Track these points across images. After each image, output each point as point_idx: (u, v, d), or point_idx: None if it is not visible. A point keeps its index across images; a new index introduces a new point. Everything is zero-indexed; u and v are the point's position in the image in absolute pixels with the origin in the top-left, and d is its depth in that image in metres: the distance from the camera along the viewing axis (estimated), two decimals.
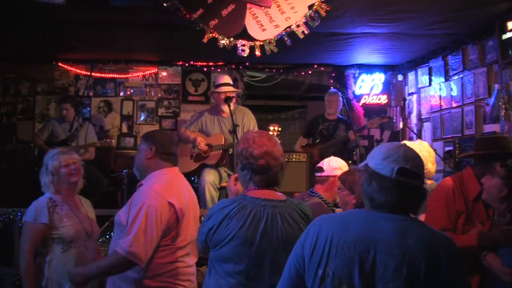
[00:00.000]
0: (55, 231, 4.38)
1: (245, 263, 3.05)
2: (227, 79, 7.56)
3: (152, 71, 10.28)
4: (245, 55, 6.34)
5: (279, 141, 3.42)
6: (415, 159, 2.52)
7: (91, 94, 10.15)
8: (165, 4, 6.03)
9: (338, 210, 4.72)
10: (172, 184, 3.84)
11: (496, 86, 7.26)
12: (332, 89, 9.06)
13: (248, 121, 7.48)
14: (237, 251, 3.06)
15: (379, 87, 10.45)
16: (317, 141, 8.59)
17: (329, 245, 2.41)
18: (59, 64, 9.98)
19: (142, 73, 10.27)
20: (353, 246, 2.37)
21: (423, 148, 5.15)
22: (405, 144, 2.60)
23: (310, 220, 3.05)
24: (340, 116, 8.91)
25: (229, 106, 7.15)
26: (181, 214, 3.73)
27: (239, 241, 3.05)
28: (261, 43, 6.31)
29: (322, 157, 7.46)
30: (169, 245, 3.70)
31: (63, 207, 4.50)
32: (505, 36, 6.87)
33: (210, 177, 7.07)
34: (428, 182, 5.16)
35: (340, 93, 8.88)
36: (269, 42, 6.29)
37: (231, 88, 7.44)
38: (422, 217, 4.67)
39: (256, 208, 3.12)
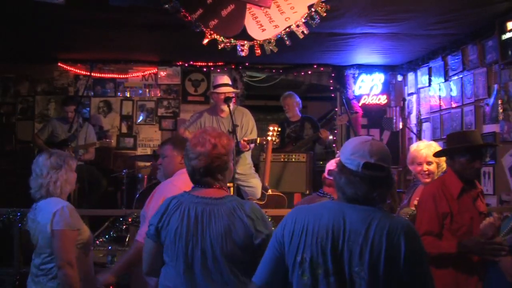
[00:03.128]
0: (80, 236, 4.18)
1: (180, 258, 3.17)
2: (226, 79, 7.55)
3: (152, 71, 10.27)
4: (245, 55, 6.35)
5: (225, 136, 3.39)
6: (379, 152, 2.66)
7: (91, 94, 10.14)
8: (166, 6, 6.04)
9: None
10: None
11: (496, 86, 7.26)
12: (286, 92, 9.08)
13: (247, 121, 7.48)
14: (172, 246, 3.19)
15: (378, 87, 10.44)
16: (287, 144, 8.65)
17: (305, 233, 2.63)
18: (59, 64, 9.98)
19: (142, 73, 10.26)
20: (325, 235, 2.58)
21: (437, 147, 5.18)
22: (371, 138, 2.73)
23: (244, 217, 3.16)
24: (303, 115, 8.96)
25: (228, 106, 7.15)
26: None
27: (172, 236, 3.18)
28: (261, 43, 6.31)
29: None
30: None
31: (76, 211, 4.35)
32: (505, 37, 6.87)
33: None
34: None
35: (293, 93, 8.92)
36: (269, 42, 6.30)
37: (230, 89, 7.44)
38: None
39: (193, 207, 3.20)
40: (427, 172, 5.01)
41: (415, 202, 4.99)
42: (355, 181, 2.63)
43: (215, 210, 3.17)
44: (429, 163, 5.01)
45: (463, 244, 3.89)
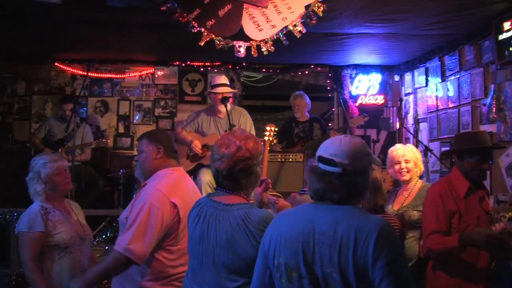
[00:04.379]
0: (51, 238, 4.31)
1: (193, 259, 3.18)
2: (223, 79, 7.54)
3: (149, 71, 10.28)
4: (242, 55, 6.34)
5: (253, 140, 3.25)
6: (341, 149, 2.60)
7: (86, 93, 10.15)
8: (163, 8, 6.03)
9: None
10: (178, 184, 3.79)
11: (493, 86, 7.27)
12: (296, 92, 9.07)
13: (245, 121, 7.46)
14: (189, 247, 3.23)
15: (375, 88, 10.45)
16: (296, 143, 8.64)
17: (279, 238, 2.62)
18: (56, 64, 9.98)
19: (139, 73, 10.27)
20: (296, 238, 2.55)
21: (415, 149, 5.31)
22: (345, 136, 2.70)
23: (248, 228, 3.02)
24: (312, 116, 8.95)
25: (226, 106, 7.14)
26: (184, 215, 3.58)
27: (189, 238, 3.22)
28: (258, 43, 6.31)
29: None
30: (173, 246, 3.64)
31: (55, 213, 4.42)
32: (501, 37, 6.88)
33: (206, 177, 7.06)
34: (420, 181, 5.27)
35: (303, 93, 8.92)
36: (266, 42, 6.29)
37: (227, 89, 7.42)
38: None
39: (205, 210, 3.18)
40: (405, 170, 5.14)
41: (396, 208, 5.06)
42: (312, 177, 2.64)
43: (220, 216, 3.08)
44: (406, 161, 5.15)
45: (466, 237, 3.88)
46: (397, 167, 5.21)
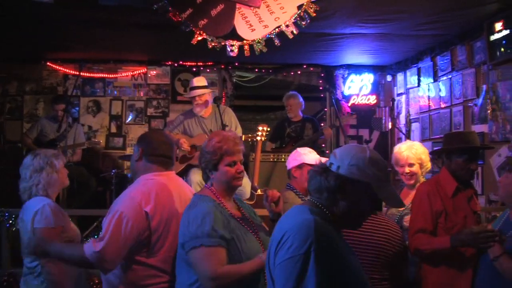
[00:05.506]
0: (67, 234, 4.19)
1: None
2: (197, 81, 7.47)
3: (141, 71, 10.26)
4: (234, 55, 6.34)
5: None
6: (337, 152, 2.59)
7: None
8: (155, 6, 6.03)
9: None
10: (157, 191, 3.56)
11: (484, 87, 7.29)
12: (289, 92, 9.07)
13: (229, 120, 7.43)
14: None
15: (368, 88, 10.47)
16: (287, 143, 8.65)
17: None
18: (48, 63, 9.95)
19: (131, 73, 10.25)
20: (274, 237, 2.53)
21: (422, 148, 5.20)
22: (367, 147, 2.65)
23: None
24: (305, 116, 8.96)
25: (218, 106, 7.14)
26: (157, 225, 3.44)
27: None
28: (250, 43, 6.31)
29: None
30: (147, 259, 3.48)
31: (60, 209, 4.34)
32: (493, 38, 6.90)
33: (196, 177, 7.05)
34: (423, 179, 5.21)
35: (297, 94, 8.92)
36: (258, 42, 6.29)
37: (202, 91, 7.38)
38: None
39: None
40: (409, 174, 5.01)
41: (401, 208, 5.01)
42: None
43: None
44: (410, 165, 5.01)
45: (456, 238, 3.89)
46: (401, 170, 5.11)
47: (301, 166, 4.84)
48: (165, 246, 3.49)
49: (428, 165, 5.09)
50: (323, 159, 3.82)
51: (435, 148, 8.53)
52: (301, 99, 8.87)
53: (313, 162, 4.76)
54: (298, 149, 4.98)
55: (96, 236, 7.17)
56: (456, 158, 4.24)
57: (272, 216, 3.46)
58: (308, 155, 4.88)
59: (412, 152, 5.02)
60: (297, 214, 2.50)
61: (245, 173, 3.48)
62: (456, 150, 4.25)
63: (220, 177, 3.31)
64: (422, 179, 5.09)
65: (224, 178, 3.30)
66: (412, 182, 5.02)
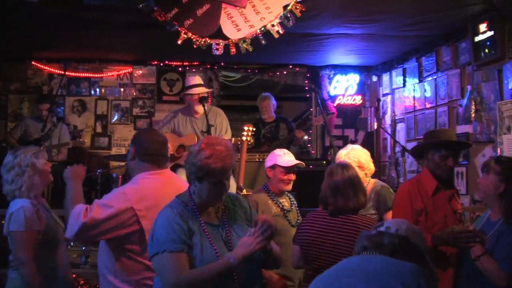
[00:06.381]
0: (44, 236, 4.22)
1: None
2: (198, 79, 7.52)
3: (127, 71, 10.23)
4: (219, 54, 6.34)
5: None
6: None
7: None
8: (140, 6, 6.01)
9: (281, 199, 5.06)
10: (152, 190, 3.61)
11: (469, 87, 7.33)
12: (263, 94, 9.08)
13: (221, 122, 7.44)
14: None
15: (353, 88, 10.50)
16: (263, 144, 8.67)
17: None
18: (33, 62, 9.89)
19: (117, 73, 10.22)
20: None
21: (360, 151, 5.18)
22: None
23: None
24: (278, 116, 8.99)
25: (204, 106, 7.13)
26: (150, 224, 3.30)
27: None
28: (236, 42, 6.31)
29: None
30: (139, 253, 3.53)
31: (42, 209, 4.35)
32: (477, 39, 6.94)
33: (183, 177, 7.05)
34: (372, 181, 5.18)
35: (270, 95, 8.94)
36: (244, 41, 6.30)
37: (203, 89, 7.40)
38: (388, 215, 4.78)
39: None
40: None
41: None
42: None
43: None
44: None
45: (437, 236, 3.91)
46: None
47: (274, 167, 4.90)
48: None
49: (371, 166, 5.05)
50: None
51: (412, 147, 8.63)
52: (274, 100, 8.93)
53: (285, 165, 4.80)
54: (276, 150, 5.03)
55: None
56: (433, 155, 4.27)
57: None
58: (282, 157, 4.93)
59: (350, 156, 4.99)
60: None
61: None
62: (431, 145, 4.29)
63: (200, 191, 3.12)
64: (371, 180, 5.04)
65: (204, 194, 3.10)
66: None
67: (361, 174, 4.80)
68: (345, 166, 3.97)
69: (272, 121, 8.86)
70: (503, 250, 3.58)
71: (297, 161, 5.02)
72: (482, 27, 6.83)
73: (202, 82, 7.55)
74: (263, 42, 6.33)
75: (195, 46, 6.28)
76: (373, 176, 5.33)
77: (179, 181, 3.94)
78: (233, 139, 7.14)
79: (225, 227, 3.17)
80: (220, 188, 3.10)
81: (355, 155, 5.03)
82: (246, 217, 3.30)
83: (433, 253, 3.98)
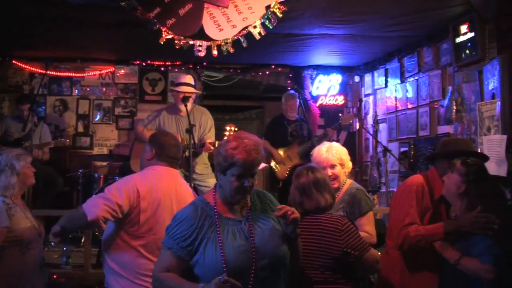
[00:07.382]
0: (14, 234, 4.28)
1: None
2: (188, 79, 7.48)
3: (109, 70, 10.18)
4: (202, 55, 6.33)
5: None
6: None
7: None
8: (122, 3, 5.99)
9: None
10: (154, 179, 3.93)
11: (450, 88, 7.38)
12: (290, 92, 9.07)
13: (206, 121, 7.43)
14: None
15: (336, 88, 10.54)
16: (292, 143, 8.62)
17: None
18: (13, 61, 9.81)
19: (99, 72, 10.16)
20: None
21: (341, 148, 5.13)
22: None
23: None
24: (299, 116, 8.99)
25: (185, 105, 7.09)
26: (147, 206, 3.79)
27: None
28: (218, 43, 6.31)
29: (302, 159, 7.90)
30: (132, 236, 3.78)
31: (16, 208, 4.40)
32: (458, 40, 6.99)
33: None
34: (349, 181, 5.09)
35: (296, 94, 8.96)
36: (226, 42, 6.29)
37: (190, 89, 7.36)
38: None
39: None
40: (332, 177, 4.71)
41: None
42: None
43: None
44: (332, 166, 4.78)
45: (452, 222, 3.89)
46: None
47: None
48: (152, 231, 3.79)
49: (349, 165, 4.99)
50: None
51: (402, 149, 8.66)
52: (298, 99, 8.94)
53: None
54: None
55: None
56: (441, 163, 4.20)
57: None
58: None
59: (332, 153, 4.87)
60: None
61: (213, 173, 3.49)
62: (447, 154, 4.22)
63: (224, 184, 3.13)
64: (348, 181, 4.99)
65: (227, 187, 3.10)
66: (336, 185, 4.74)
67: (342, 172, 4.79)
68: (311, 168, 3.95)
69: (295, 120, 8.83)
70: (477, 246, 3.61)
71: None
72: (463, 28, 6.88)
73: (192, 83, 7.49)
74: (245, 44, 6.33)
75: (177, 47, 6.26)
76: (354, 176, 5.28)
77: (182, 180, 4.26)
78: (216, 142, 7.08)
79: (249, 221, 3.14)
80: (243, 182, 3.06)
81: (337, 152, 4.95)
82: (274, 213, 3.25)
83: (419, 260, 4.01)
